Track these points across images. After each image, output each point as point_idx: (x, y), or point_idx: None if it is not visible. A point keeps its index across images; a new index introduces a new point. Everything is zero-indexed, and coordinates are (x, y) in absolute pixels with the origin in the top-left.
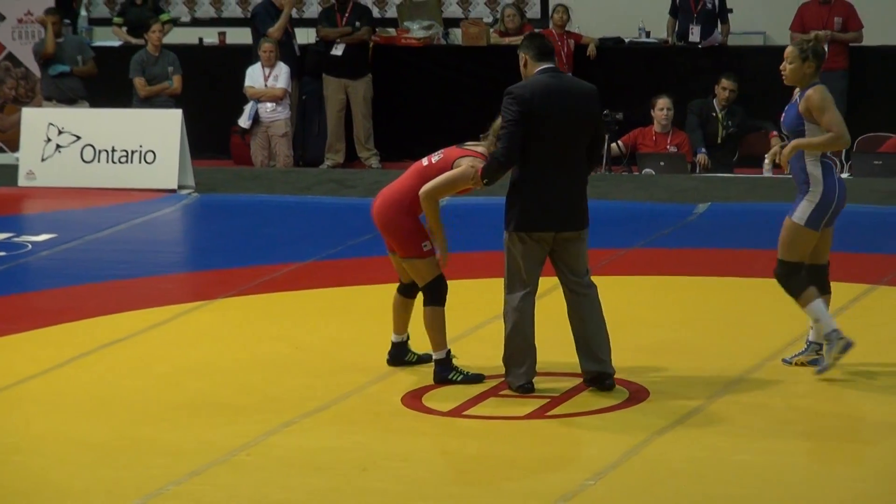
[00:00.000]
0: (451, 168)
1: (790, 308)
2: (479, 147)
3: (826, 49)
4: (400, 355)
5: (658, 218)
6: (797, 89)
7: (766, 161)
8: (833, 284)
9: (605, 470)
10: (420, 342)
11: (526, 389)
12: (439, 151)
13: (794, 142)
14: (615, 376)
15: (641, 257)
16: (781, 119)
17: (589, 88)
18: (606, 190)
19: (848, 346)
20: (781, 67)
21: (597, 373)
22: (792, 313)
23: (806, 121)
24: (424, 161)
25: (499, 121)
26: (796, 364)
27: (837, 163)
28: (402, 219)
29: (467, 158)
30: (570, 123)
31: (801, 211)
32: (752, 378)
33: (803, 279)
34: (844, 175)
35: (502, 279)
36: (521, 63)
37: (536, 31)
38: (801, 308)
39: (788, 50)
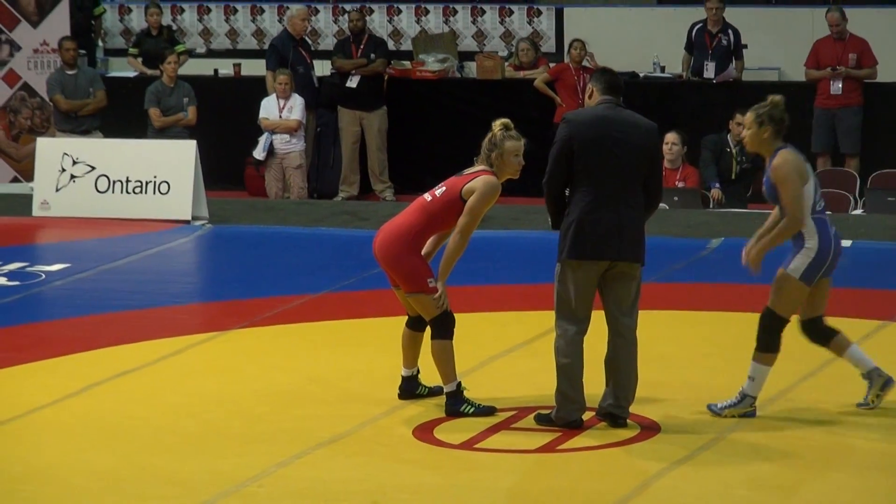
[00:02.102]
0: (460, 195)
1: (800, 345)
2: (478, 167)
3: (785, 115)
4: (411, 389)
5: (671, 252)
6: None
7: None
8: (846, 321)
9: None
10: (430, 374)
11: (576, 425)
12: (441, 185)
13: (759, 245)
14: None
15: (654, 291)
16: (763, 189)
17: (646, 123)
18: None
19: (751, 415)
20: (741, 134)
21: (613, 414)
22: (803, 349)
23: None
24: (427, 196)
25: (487, 137)
26: (726, 416)
27: (828, 219)
28: (406, 255)
29: (478, 179)
30: (619, 154)
31: (797, 263)
32: (762, 414)
33: (778, 342)
34: (857, 212)
35: (511, 312)
36: (588, 94)
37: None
38: (753, 360)
39: (746, 116)
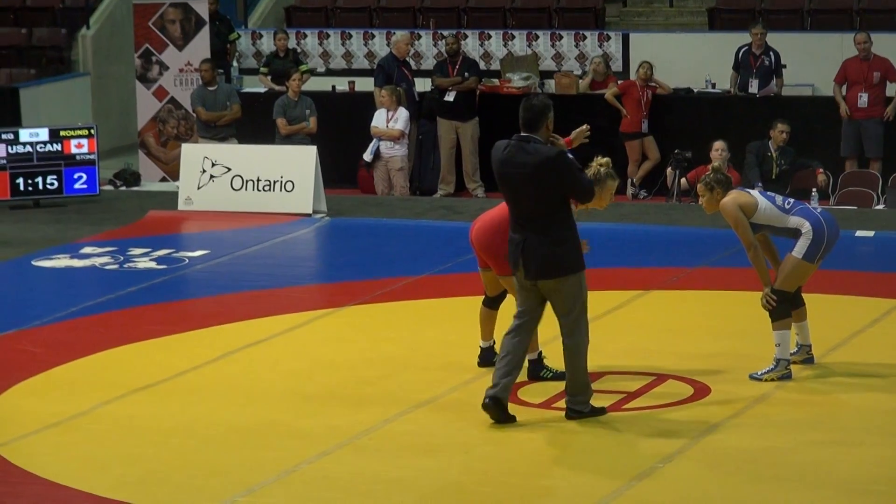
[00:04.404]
0: None
1: (832, 318)
2: None
3: (726, 174)
4: (488, 358)
5: (720, 242)
6: None
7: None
8: (868, 300)
9: (672, 454)
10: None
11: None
12: None
13: (765, 290)
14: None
15: (705, 275)
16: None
17: (536, 160)
18: (676, 218)
19: (787, 377)
20: (700, 203)
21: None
22: (832, 323)
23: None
24: None
25: (591, 170)
26: (767, 381)
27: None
28: (500, 242)
29: None
30: (515, 188)
31: (800, 246)
32: (799, 377)
33: (787, 309)
34: (880, 207)
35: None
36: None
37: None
38: (774, 330)
39: (699, 187)
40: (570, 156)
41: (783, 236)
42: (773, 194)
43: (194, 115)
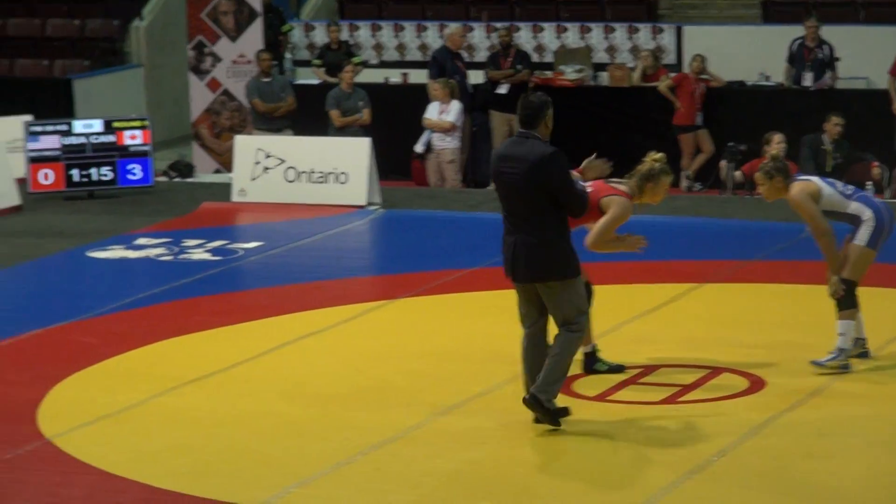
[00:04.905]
0: (599, 203)
1: (887, 311)
2: (623, 186)
3: (785, 162)
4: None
5: (775, 235)
6: None
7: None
8: None
9: (727, 448)
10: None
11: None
12: (589, 185)
13: (833, 278)
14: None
15: (760, 268)
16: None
17: (534, 156)
18: (730, 211)
19: (846, 368)
20: (758, 192)
21: (534, 395)
22: (888, 316)
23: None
24: None
25: (646, 165)
26: (829, 367)
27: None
28: None
29: (614, 198)
30: (510, 187)
31: (862, 234)
32: (856, 370)
33: (854, 299)
34: None
35: (636, 285)
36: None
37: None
38: (839, 319)
39: (757, 176)
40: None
41: (842, 222)
42: (832, 180)
43: (249, 106)
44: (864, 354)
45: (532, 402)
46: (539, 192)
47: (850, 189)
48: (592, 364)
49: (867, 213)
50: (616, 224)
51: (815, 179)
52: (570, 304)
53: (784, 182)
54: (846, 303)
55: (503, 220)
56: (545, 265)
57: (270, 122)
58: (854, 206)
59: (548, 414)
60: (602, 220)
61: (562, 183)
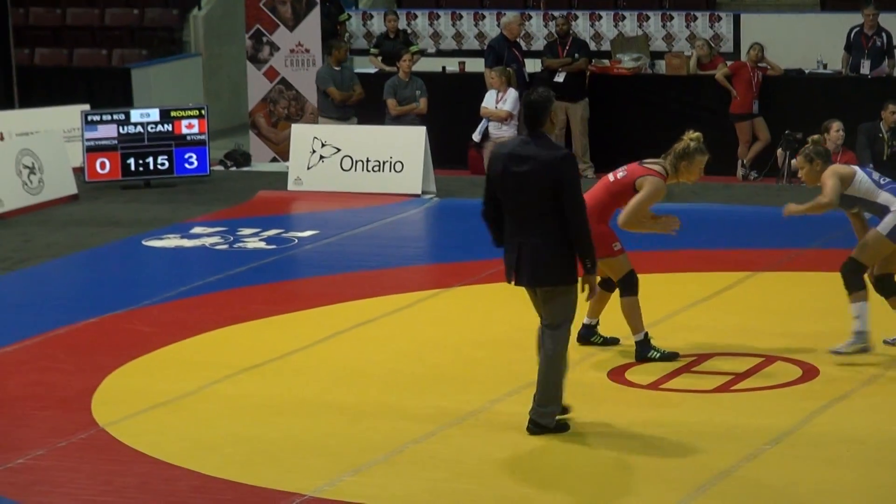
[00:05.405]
0: (634, 184)
1: None
2: (656, 165)
3: (825, 147)
4: (588, 335)
5: (831, 223)
6: None
7: None
8: None
9: (780, 436)
10: (610, 327)
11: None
12: (623, 168)
13: (799, 207)
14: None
15: (815, 256)
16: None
17: (546, 156)
18: (786, 199)
19: (866, 350)
20: (799, 176)
21: (532, 420)
22: None
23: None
24: (611, 177)
25: (681, 144)
26: (849, 352)
27: None
28: (595, 224)
29: (648, 178)
30: (518, 188)
31: (886, 223)
32: None
33: (862, 280)
34: None
35: (690, 273)
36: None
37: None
38: (851, 302)
39: (798, 160)
40: None
41: (873, 212)
42: (871, 170)
43: (322, 94)
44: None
45: (536, 430)
46: (549, 193)
47: (885, 180)
48: (591, 336)
49: (895, 205)
50: (649, 203)
51: (854, 167)
52: (562, 308)
53: (823, 166)
54: (853, 284)
55: (507, 222)
56: (549, 270)
57: (341, 111)
58: (883, 196)
59: (554, 431)
60: (635, 199)
61: (573, 185)
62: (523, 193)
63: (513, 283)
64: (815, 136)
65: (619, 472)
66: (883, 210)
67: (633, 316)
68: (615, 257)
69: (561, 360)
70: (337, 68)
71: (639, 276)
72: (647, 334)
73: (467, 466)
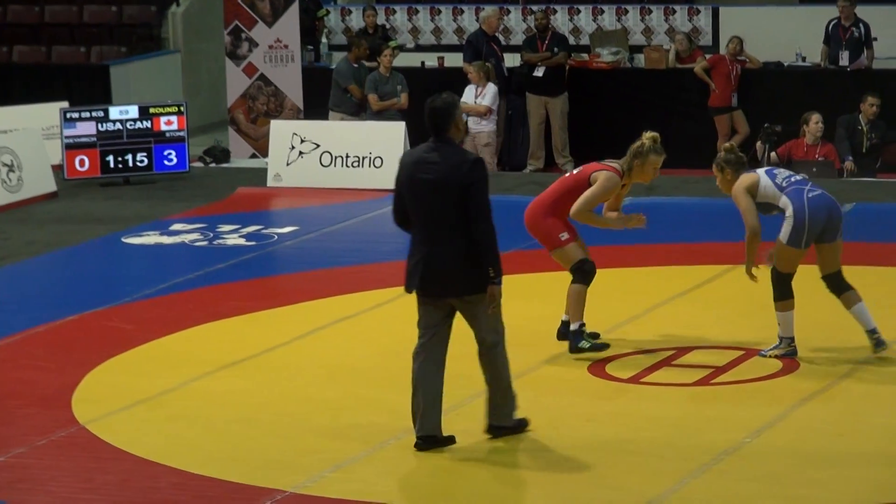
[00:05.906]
0: (589, 179)
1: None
2: (614, 163)
3: (738, 154)
4: (565, 332)
5: None
6: None
7: None
8: None
9: (760, 429)
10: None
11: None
12: (582, 167)
13: (747, 264)
14: None
15: None
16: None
17: (454, 160)
18: None
19: (793, 353)
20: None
21: (492, 426)
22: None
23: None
24: (567, 173)
25: (636, 143)
26: (770, 357)
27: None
28: (543, 218)
29: (603, 172)
30: (425, 194)
31: (783, 230)
32: (893, 349)
33: (789, 289)
34: None
35: (672, 267)
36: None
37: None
38: (776, 310)
39: (713, 167)
40: None
41: (776, 213)
42: (777, 171)
43: (345, 91)
44: (879, 343)
45: (497, 433)
46: (458, 200)
47: (788, 181)
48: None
49: (789, 210)
50: (601, 196)
51: (759, 172)
52: (492, 319)
53: (734, 175)
54: (780, 293)
55: (414, 231)
56: (464, 278)
57: (355, 108)
58: (783, 201)
59: (511, 431)
60: (588, 191)
61: (481, 190)
62: (432, 200)
63: (413, 291)
64: (728, 144)
65: (599, 465)
66: (782, 213)
67: (576, 303)
68: (563, 247)
69: (506, 365)
70: (355, 65)
71: (619, 270)
72: (582, 324)
73: (450, 462)
